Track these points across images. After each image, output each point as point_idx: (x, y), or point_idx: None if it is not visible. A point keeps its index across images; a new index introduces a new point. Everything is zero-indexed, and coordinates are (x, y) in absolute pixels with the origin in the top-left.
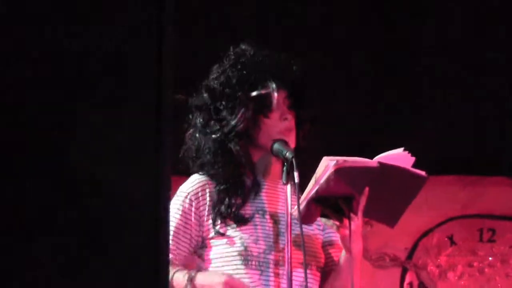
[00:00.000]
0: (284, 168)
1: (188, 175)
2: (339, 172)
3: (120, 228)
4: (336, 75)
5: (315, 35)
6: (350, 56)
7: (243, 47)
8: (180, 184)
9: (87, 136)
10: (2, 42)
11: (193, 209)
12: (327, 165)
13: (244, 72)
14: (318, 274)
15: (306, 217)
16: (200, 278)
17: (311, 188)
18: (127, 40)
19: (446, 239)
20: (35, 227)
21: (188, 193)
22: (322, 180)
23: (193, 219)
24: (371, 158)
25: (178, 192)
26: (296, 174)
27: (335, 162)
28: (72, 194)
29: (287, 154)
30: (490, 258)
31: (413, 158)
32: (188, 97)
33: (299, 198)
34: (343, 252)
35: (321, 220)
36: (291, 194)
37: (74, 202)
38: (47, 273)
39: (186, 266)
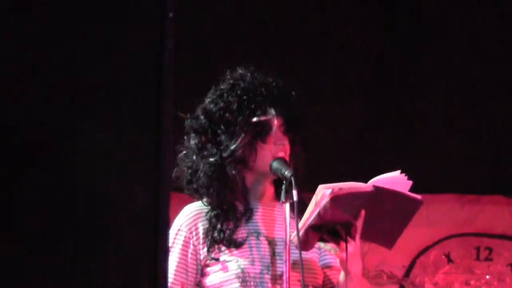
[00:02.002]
0: (283, 186)
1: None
2: (335, 200)
3: (118, 239)
4: (332, 93)
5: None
6: (347, 72)
7: (240, 71)
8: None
9: (89, 149)
10: (13, 65)
11: (189, 241)
12: (323, 194)
13: (244, 97)
14: None
15: (305, 244)
16: None
17: (308, 216)
18: (128, 57)
19: (443, 257)
20: (34, 234)
21: (181, 226)
22: (319, 209)
23: (189, 255)
24: (368, 179)
25: (172, 226)
26: (295, 192)
27: (330, 190)
28: (72, 205)
29: (286, 172)
30: (487, 277)
31: (410, 182)
32: (187, 115)
33: (297, 217)
34: (342, 273)
35: (319, 244)
36: (289, 213)
37: (75, 213)
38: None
39: None
